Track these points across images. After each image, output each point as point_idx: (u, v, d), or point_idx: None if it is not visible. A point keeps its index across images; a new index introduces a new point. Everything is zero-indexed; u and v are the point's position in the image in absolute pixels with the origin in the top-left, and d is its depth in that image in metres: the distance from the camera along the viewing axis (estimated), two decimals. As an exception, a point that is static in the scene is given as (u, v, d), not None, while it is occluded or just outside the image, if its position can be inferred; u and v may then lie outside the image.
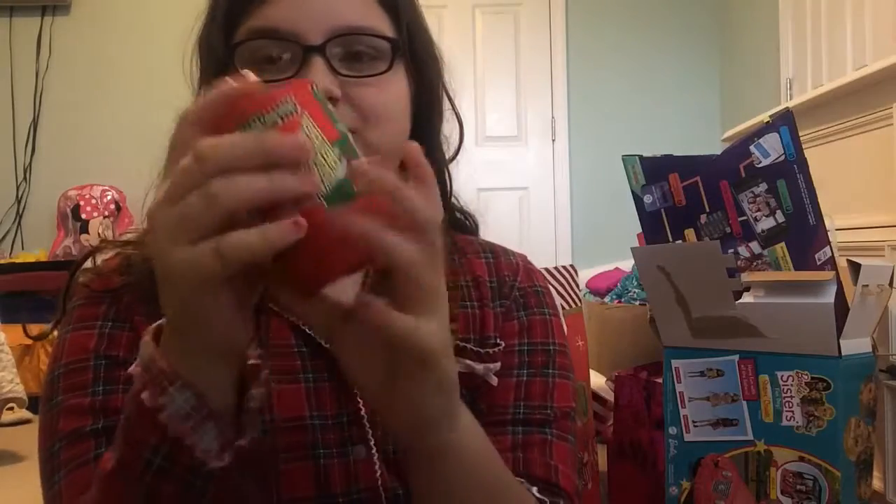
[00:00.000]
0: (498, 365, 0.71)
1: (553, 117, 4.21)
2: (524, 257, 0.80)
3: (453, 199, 0.80)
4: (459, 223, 0.80)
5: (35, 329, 3.36)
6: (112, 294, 0.65)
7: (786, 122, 1.28)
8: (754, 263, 1.31)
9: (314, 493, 0.62)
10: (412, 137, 0.66)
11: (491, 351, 0.71)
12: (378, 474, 0.64)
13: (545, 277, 0.81)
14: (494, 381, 0.70)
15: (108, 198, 3.90)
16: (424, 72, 0.70)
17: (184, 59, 0.72)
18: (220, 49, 0.65)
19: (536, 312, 0.76)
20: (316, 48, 0.61)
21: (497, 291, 0.75)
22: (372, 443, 0.65)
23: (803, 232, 1.28)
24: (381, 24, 0.65)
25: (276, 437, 0.62)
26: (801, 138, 1.29)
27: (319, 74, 0.60)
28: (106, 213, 3.88)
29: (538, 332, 0.75)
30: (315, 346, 0.65)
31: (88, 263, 0.71)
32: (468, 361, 0.69)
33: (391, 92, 0.65)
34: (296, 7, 0.62)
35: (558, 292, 1.64)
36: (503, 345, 0.72)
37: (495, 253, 0.78)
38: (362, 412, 0.65)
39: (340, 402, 0.65)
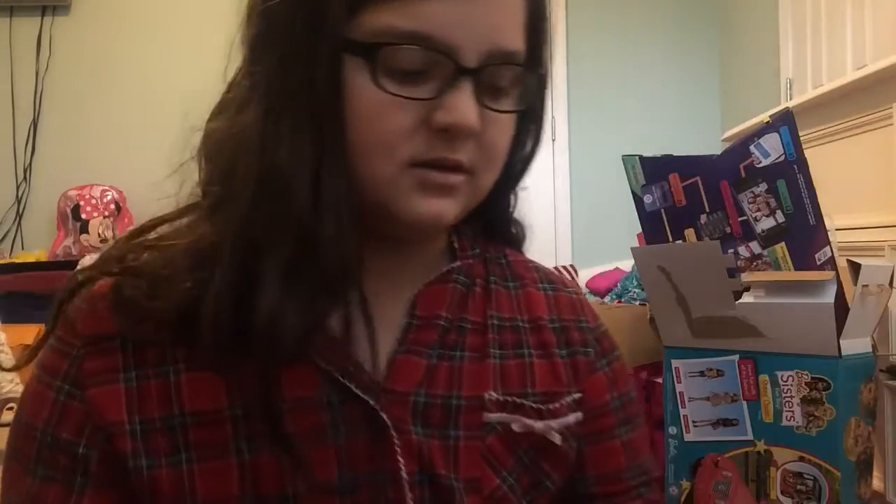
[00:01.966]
0: (567, 420, 0.62)
1: (553, 117, 4.21)
2: (577, 287, 0.72)
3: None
4: (510, 236, 0.71)
5: (33, 330, 3.36)
6: (87, 343, 0.56)
7: (786, 122, 1.28)
8: (754, 263, 1.31)
9: None
10: (504, 169, 0.59)
11: (552, 406, 0.62)
12: None
13: None
14: (557, 439, 0.61)
15: (108, 198, 3.90)
16: (541, 105, 0.62)
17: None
18: (327, 31, 0.50)
19: (614, 357, 0.70)
20: (470, 71, 0.51)
21: (563, 335, 0.66)
22: None
23: (803, 232, 1.28)
24: (522, 44, 0.55)
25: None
26: (801, 138, 1.29)
27: (468, 104, 0.51)
28: (106, 213, 3.88)
29: (622, 380, 0.69)
30: (348, 396, 0.56)
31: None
32: (526, 420, 0.60)
33: (510, 130, 0.57)
34: (455, 13, 0.50)
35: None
36: (577, 395, 0.64)
37: (553, 283, 0.69)
38: (402, 472, 0.56)
39: (376, 459, 0.56)
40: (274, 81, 0.52)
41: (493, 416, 0.59)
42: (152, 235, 0.60)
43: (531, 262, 0.71)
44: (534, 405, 0.61)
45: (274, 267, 0.50)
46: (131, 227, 0.62)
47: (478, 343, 0.61)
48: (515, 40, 0.54)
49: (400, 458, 0.56)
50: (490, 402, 0.59)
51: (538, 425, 0.60)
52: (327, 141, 0.50)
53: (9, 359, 2.72)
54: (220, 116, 0.59)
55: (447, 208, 0.54)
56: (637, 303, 2.04)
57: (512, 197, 0.67)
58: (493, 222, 0.67)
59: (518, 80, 0.55)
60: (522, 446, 0.60)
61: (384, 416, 0.56)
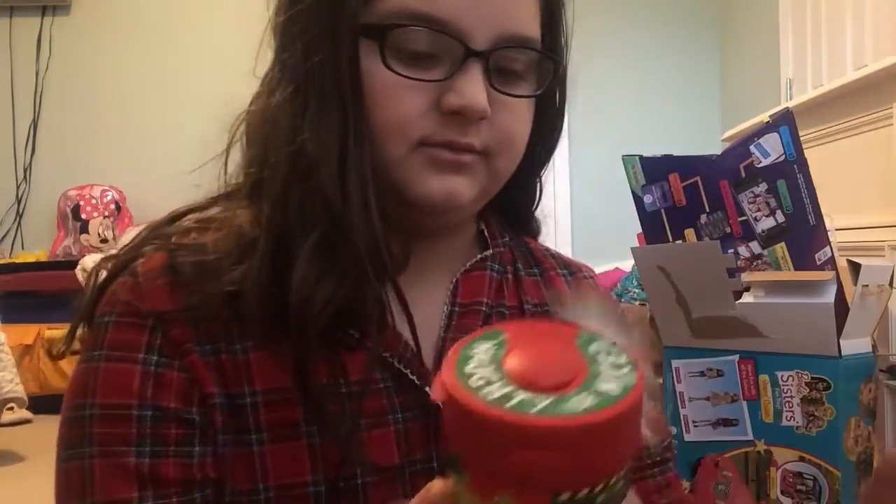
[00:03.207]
0: None
1: (553, 117, 4.20)
2: (592, 271, 0.73)
3: None
4: (529, 226, 0.71)
5: (33, 330, 3.36)
6: (157, 317, 0.53)
7: (786, 122, 1.28)
8: (754, 263, 1.31)
9: None
10: (525, 157, 0.59)
11: None
12: None
13: None
14: None
15: (108, 198, 3.90)
16: (560, 93, 0.62)
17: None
18: (346, 16, 0.51)
19: None
20: (479, 54, 0.52)
21: None
22: None
23: (803, 232, 1.28)
24: (537, 31, 0.56)
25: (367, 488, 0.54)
26: (801, 138, 1.29)
27: (477, 86, 0.51)
28: (106, 213, 3.88)
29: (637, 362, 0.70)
30: (404, 382, 0.56)
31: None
32: None
33: (526, 115, 0.57)
34: None
35: (558, 292, 1.64)
36: None
37: (570, 268, 0.70)
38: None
39: (428, 445, 0.56)
40: (300, 66, 0.53)
41: None
42: (186, 221, 0.59)
43: (546, 248, 0.72)
44: None
45: (306, 246, 0.51)
46: (167, 215, 0.60)
47: None
48: (529, 26, 0.55)
49: None
50: None
51: None
52: (350, 122, 0.51)
53: (9, 359, 2.72)
54: (256, 102, 0.59)
55: (460, 186, 0.54)
56: (637, 303, 2.05)
57: (537, 188, 0.68)
58: (516, 211, 0.68)
59: (532, 66, 0.55)
60: None
61: (439, 403, 0.57)
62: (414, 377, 0.56)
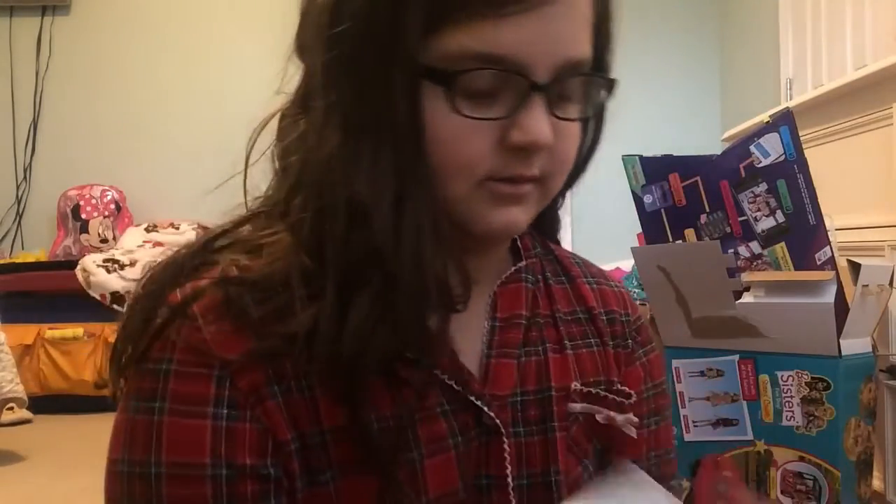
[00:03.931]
0: (634, 418, 0.63)
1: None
2: (621, 285, 0.72)
3: None
4: (552, 230, 0.71)
5: (33, 330, 3.36)
6: (223, 365, 0.50)
7: (786, 122, 1.28)
8: (754, 263, 1.31)
9: None
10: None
11: (626, 402, 0.63)
12: None
13: None
14: (634, 433, 0.62)
15: (108, 198, 3.90)
16: (604, 108, 0.62)
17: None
18: (402, 58, 0.49)
19: (650, 349, 0.70)
20: (542, 87, 0.51)
21: (609, 327, 0.67)
22: None
23: (803, 232, 1.28)
24: (590, 49, 0.55)
25: None
26: (801, 138, 1.29)
27: (542, 121, 0.51)
28: (106, 213, 3.88)
29: (657, 372, 0.69)
30: (460, 404, 0.56)
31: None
32: (610, 413, 0.61)
33: (578, 133, 0.57)
34: (527, 32, 0.50)
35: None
36: (635, 396, 0.64)
37: (595, 276, 0.70)
38: (509, 479, 0.57)
39: (481, 466, 0.56)
40: (352, 109, 0.51)
41: (578, 406, 0.61)
42: (219, 241, 0.56)
43: (572, 254, 0.72)
44: (615, 398, 0.63)
45: (362, 296, 0.50)
46: (201, 240, 0.57)
47: (553, 336, 0.63)
48: (584, 47, 0.54)
49: (507, 465, 0.57)
50: (575, 392, 0.61)
51: (619, 418, 0.62)
52: (408, 167, 0.50)
53: (9, 359, 2.72)
54: (293, 132, 0.56)
55: (519, 216, 0.55)
56: (637, 303, 2.04)
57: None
58: (544, 218, 0.67)
59: (586, 87, 0.55)
60: (598, 435, 0.62)
61: (498, 423, 0.57)
62: (472, 398, 0.56)
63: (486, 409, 0.56)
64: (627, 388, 0.65)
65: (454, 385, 0.55)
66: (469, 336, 0.58)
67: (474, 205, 0.53)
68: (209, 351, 0.50)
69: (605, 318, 0.67)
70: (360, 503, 0.52)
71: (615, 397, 0.63)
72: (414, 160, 0.50)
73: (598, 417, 0.61)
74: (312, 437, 0.51)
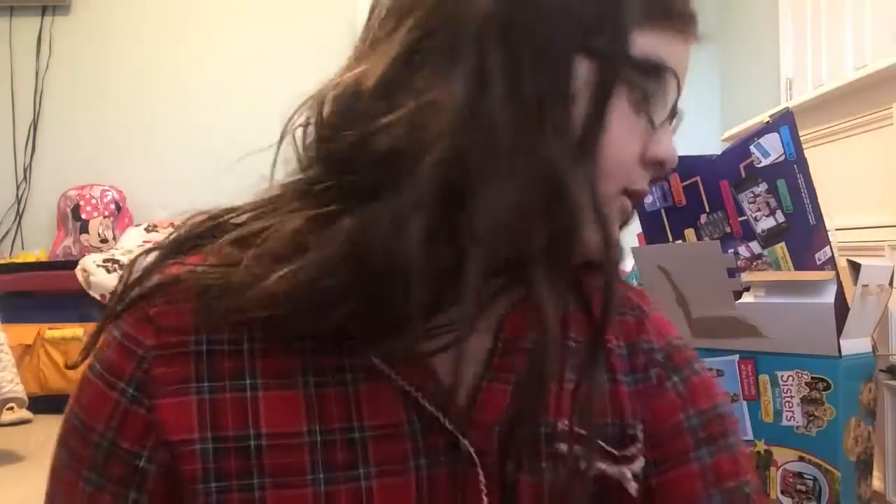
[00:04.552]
0: (638, 465, 0.56)
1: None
2: (643, 296, 0.63)
3: None
4: None
5: (33, 330, 3.36)
6: (157, 347, 0.50)
7: (786, 122, 1.28)
8: (754, 263, 1.31)
9: None
10: None
11: (628, 453, 0.56)
12: None
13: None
14: (633, 488, 0.56)
15: (108, 198, 3.90)
16: None
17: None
18: (608, 39, 0.47)
19: (691, 372, 0.61)
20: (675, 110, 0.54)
21: (628, 361, 0.59)
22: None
23: (803, 232, 1.28)
24: None
25: None
26: (801, 138, 1.29)
27: (671, 139, 0.53)
28: (106, 213, 3.88)
29: (702, 398, 0.60)
30: (433, 424, 0.51)
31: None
32: (600, 464, 0.55)
33: None
34: (686, 54, 0.55)
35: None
36: (640, 442, 0.57)
37: (619, 305, 0.61)
38: None
39: (457, 497, 0.51)
40: (532, 83, 0.46)
41: (566, 448, 0.54)
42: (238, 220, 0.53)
43: (607, 284, 0.60)
44: (606, 447, 0.56)
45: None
46: (200, 214, 0.54)
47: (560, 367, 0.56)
48: None
49: (484, 497, 0.51)
50: (564, 432, 0.54)
51: (612, 470, 0.56)
52: (579, 155, 0.47)
53: (9, 359, 2.72)
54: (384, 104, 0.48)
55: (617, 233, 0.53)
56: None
57: None
58: None
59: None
60: (589, 482, 0.55)
61: (471, 451, 0.51)
62: (445, 420, 0.50)
63: (456, 432, 0.51)
64: (638, 432, 0.57)
65: (421, 400, 0.50)
66: (467, 355, 0.51)
67: (609, 216, 0.50)
68: (150, 326, 0.50)
69: (623, 350, 0.59)
70: None
71: (606, 446, 0.55)
72: (590, 150, 0.47)
73: (584, 466, 0.54)
74: (241, 440, 0.49)
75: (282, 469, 0.48)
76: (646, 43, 0.49)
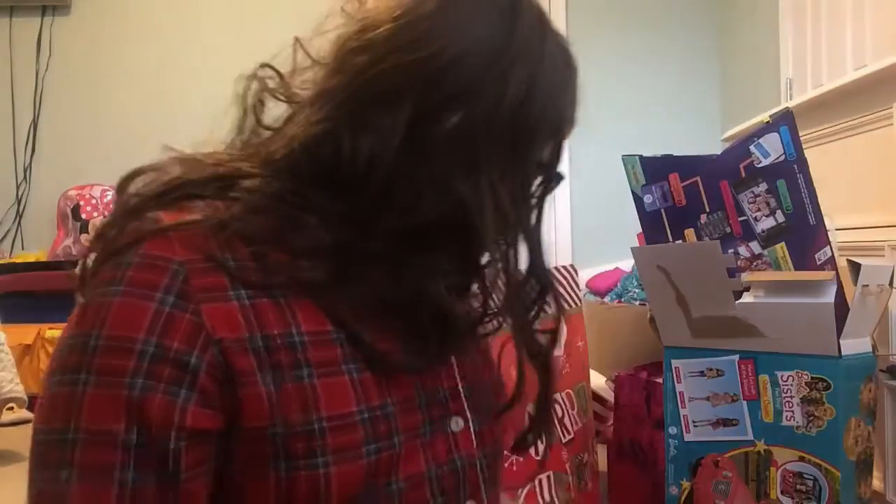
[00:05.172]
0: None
1: (553, 117, 4.19)
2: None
3: None
4: None
5: (33, 330, 3.36)
6: (186, 262, 0.53)
7: (786, 122, 1.28)
8: (754, 263, 1.31)
9: (425, 467, 0.61)
10: None
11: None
12: (475, 444, 0.66)
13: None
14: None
15: (108, 198, 3.90)
16: None
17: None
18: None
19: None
20: None
21: None
22: (468, 414, 0.67)
23: (803, 232, 1.28)
24: None
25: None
26: (801, 138, 1.29)
27: None
28: (106, 213, 3.88)
29: None
30: (350, 334, 0.59)
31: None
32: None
33: None
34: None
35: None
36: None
37: None
38: (459, 387, 0.67)
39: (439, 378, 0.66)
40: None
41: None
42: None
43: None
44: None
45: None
46: (191, 154, 0.67)
47: None
48: None
49: (457, 377, 0.67)
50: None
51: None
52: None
53: (9, 359, 2.71)
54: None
55: None
56: (637, 303, 2.04)
57: None
58: None
59: None
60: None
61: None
62: (361, 333, 0.60)
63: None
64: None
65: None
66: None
67: None
68: (171, 248, 0.54)
69: None
70: (339, 402, 0.56)
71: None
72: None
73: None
74: (286, 336, 0.55)
75: (324, 361, 0.56)
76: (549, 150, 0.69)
